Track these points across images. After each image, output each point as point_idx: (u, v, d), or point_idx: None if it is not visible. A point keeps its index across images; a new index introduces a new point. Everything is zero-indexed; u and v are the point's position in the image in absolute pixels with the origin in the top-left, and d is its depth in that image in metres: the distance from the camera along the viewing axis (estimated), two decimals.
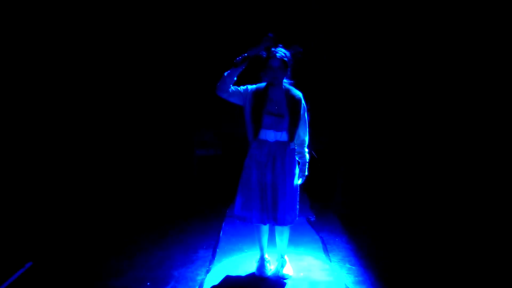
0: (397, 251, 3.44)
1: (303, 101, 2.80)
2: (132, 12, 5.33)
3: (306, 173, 2.88)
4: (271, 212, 2.76)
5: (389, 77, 4.70)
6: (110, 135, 5.50)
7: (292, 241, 3.19)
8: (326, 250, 3.43)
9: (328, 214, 4.40)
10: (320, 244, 3.55)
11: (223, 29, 5.44)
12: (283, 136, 2.76)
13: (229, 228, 3.94)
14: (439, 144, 4.56)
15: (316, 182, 4.14)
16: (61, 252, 3.40)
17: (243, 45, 2.69)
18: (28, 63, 4.95)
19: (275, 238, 2.99)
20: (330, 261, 3.23)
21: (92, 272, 3.05)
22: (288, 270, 2.96)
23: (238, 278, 2.96)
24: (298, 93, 2.81)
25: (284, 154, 2.76)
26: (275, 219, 2.77)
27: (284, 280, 2.89)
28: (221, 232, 3.84)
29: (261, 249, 3.00)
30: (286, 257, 3.01)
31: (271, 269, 3.00)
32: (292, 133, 2.77)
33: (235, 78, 2.67)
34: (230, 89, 2.68)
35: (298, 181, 2.83)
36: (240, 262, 3.20)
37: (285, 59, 2.69)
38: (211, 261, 3.21)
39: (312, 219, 4.22)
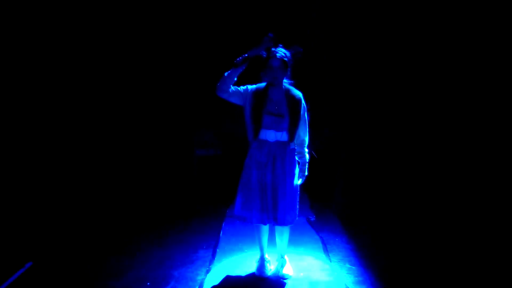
0: (397, 251, 3.44)
1: (303, 101, 2.80)
2: (132, 12, 5.33)
3: (306, 173, 2.88)
4: (271, 212, 2.77)
5: (389, 78, 4.69)
6: (110, 135, 5.50)
7: (292, 241, 3.19)
8: (326, 250, 3.43)
9: (328, 214, 4.40)
10: (320, 244, 3.55)
11: (223, 30, 5.44)
12: (283, 136, 2.76)
13: (229, 228, 3.94)
14: (439, 144, 4.56)
15: (316, 182, 4.14)
16: (61, 252, 3.40)
17: (244, 46, 2.69)
18: (28, 63, 4.95)
19: (275, 238, 2.99)
20: (330, 261, 3.23)
21: (92, 272, 3.06)
22: (288, 270, 2.96)
23: (238, 278, 2.96)
24: (298, 93, 2.81)
25: (284, 154, 2.76)
26: (275, 219, 2.77)
27: (284, 280, 2.89)
28: (221, 232, 3.84)
29: (261, 249, 3.00)
30: (286, 257, 3.02)
31: (271, 269, 3.00)
32: (292, 133, 2.77)
33: (235, 79, 2.67)
34: (230, 89, 2.68)
35: (298, 181, 2.83)
36: (240, 262, 3.20)
37: (285, 59, 2.70)
38: (211, 261, 3.21)
39: (312, 219, 4.22)
